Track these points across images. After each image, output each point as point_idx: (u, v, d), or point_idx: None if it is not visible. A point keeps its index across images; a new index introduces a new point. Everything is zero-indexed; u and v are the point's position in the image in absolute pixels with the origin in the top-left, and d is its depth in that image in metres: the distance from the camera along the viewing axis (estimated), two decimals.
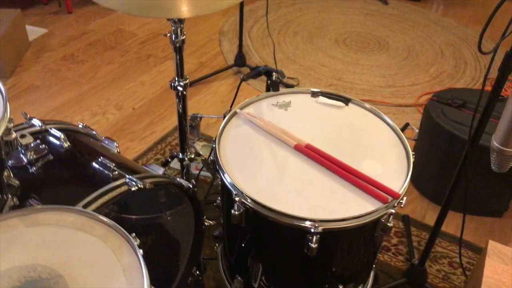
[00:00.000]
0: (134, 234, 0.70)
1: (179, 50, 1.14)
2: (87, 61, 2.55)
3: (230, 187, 0.87)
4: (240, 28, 2.43)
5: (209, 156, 1.21)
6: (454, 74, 2.67)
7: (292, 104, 1.06)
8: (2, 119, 0.70)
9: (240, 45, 2.48)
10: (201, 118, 1.81)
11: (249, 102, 1.09)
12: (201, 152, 1.44)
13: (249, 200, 0.84)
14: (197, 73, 2.52)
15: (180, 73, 1.18)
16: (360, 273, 1.04)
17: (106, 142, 1.15)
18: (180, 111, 1.24)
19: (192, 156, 1.32)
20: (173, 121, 2.11)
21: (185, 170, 1.34)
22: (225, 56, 2.71)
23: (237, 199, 0.85)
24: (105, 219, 0.72)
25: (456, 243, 1.59)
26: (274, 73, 1.08)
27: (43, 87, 2.32)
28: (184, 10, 0.96)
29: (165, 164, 1.41)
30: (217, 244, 1.21)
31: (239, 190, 0.85)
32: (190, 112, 1.92)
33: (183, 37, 1.12)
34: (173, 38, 1.11)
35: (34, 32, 2.72)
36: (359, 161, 0.90)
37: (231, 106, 1.19)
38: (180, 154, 1.32)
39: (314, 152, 0.90)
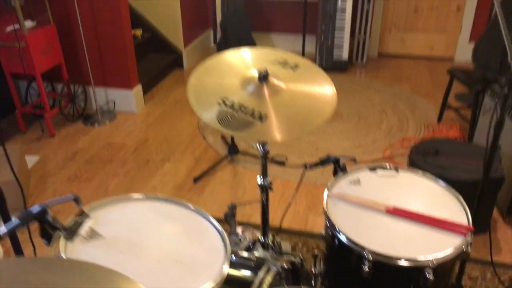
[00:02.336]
0: None
1: (264, 156, 1.47)
2: (93, 178, 2.73)
3: (354, 247, 1.20)
4: None
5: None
6: (402, 127, 3.27)
7: (361, 180, 1.43)
8: None
9: (232, 137, 2.84)
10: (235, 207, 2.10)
11: (330, 186, 1.43)
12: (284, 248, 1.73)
13: (374, 255, 1.17)
14: (198, 168, 2.81)
15: (264, 172, 1.50)
16: None
17: None
18: (265, 202, 1.54)
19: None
20: None
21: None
22: (214, 148, 3.05)
23: (367, 256, 1.17)
24: None
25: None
26: (340, 159, 1.46)
27: (63, 211, 2.45)
28: (276, 136, 1.23)
29: (248, 249, 1.67)
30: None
31: (363, 247, 1.18)
32: (213, 203, 2.20)
33: (268, 149, 1.45)
34: (261, 150, 1.44)
35: (28, 161, 2.85)
36: (432, 211, 1.28)
37: (297, 191, 1.52)
38: (263, 238, 1.61)
39: (402, 211, 1.27)
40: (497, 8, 1.51)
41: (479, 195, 1.50)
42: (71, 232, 0.95)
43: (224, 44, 4.40)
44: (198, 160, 2.92)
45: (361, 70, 4.39)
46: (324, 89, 1.37)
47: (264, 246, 1.62)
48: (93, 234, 0.97)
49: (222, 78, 1.36)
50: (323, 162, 1.48)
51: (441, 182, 1.41)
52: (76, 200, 0.96)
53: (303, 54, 4.08)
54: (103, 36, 3.28)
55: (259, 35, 4.85)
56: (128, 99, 3.51)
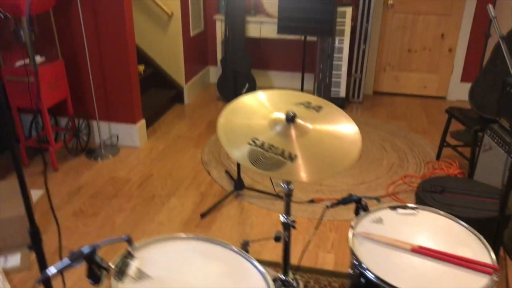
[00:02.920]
0: None
1: (288, 195, 1.50)
2: (99, 213, 2.71)
3: (382, 285, 1.22)
4: None
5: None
6: (402, 164, 3.34)
7: (383, 219, 1.47)
8: None
9: (239, 172, 2.87)
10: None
11: (354, 225, 1.46)
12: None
13: None
14: (204, 203, 2.82)
15: (288, 211, 1.52)
16: None
17: None
18: (287, 239, 1.56)
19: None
20: None
21: None
22: (219, 183, 3.06)
23: None
24: None
25: None
26: (362, 198, 1.50)
27: (70, 247, 2.42)
28: (303, 176, 1.27)
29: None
30: None
31: (392, 286, 1.20)
32: (222, 239, 2.20)
33: (292, 188, 1.49)
34: (286, 189, 1.48)
35: (33, 195, 2.82)
36: (456, 250, 1.32)
37: (316, 229, 1.55)
38: (283, 276, 1.62)
39: (427, 250, 1.31)
40: (503, 48, 1.60)
41: (496, 233, 1.54)
42: (120, 273, 0.96)
43: (224, 81, 4.50)
44: (204, 195, 2.93)
45: (357, 107, 4.50)
46: (348, 129, 1.43)
47: (285, 284, 1.62)
48: (141, 275, 0.98)
49: (250, 119, 1.41)
50: (345, 201, 1.52)
51: (461, 221, 1.45)
52: (129, 241, 0.98)
53: (302, 91, 4.18)
54: (109, 71, 3.34)
55: (258, 73, 4.96)
56: (132, 134, 3.54)
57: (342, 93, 4.31)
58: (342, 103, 4.34)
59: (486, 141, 2.68)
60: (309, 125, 1.39)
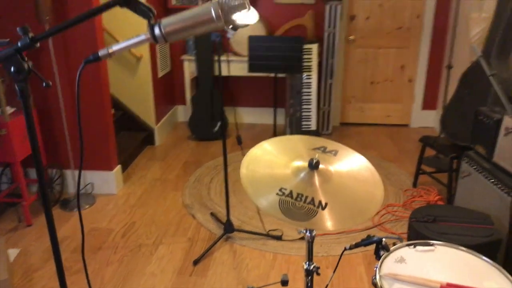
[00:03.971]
0: None
1: (312, 242, 1.49)
2: None
3: None
4: (226, 198, 2.79)
5: None
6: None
7: (405, 258, 1.49)
8: None
9: (228, 214, 2.82)
10: None
11: (379, 267, 1.47)
12: None
13: None
14: (194, 249, 2.74)
15: (311, 258, 1.51)
16: None
17: None
18: (309, 286, 1.54)
19: None
20: None
21: None
22: (206, 227, 3.00)
23: None
24: None
25: None
26: (383, 239, 1.51)
27: None
28: (329, 225, 1.27)
29: None
30: None
31: None
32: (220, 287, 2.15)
33: (315, 234, 1.48)
34: (309, 236, 1.47)
35: (9, 254, 2.63)
36: (482, 284, 1.36)
37: (334, 272, 1.55)
38: None
39: (456, 287, 1.34)
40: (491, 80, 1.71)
41: (505, 256, 1.60)
42: None
43: (195, 119, 4.48)
44: (192, 240, 2.85)
45: (328, 139, 4.60)
46: (367, 170, 1.46)
47: None
48: None
49: (272, 168, 1.41)
50: (366, 242, 1.53)
51: (479, 254, 1.50)
52: None
53: (274, 126, 4.25)
54: (84, 119, 3.23)
55: (229, 110, 4.99)
56: (108, 181, 3.41)
57: (313, 126, 4.41)
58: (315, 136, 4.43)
59: (464, 167, 2.81)
60: (332, 170, 1.41)
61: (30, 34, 1.04)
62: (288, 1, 4.55)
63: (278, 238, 2.85)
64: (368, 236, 1.56)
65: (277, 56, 4.09)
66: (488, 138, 2.59)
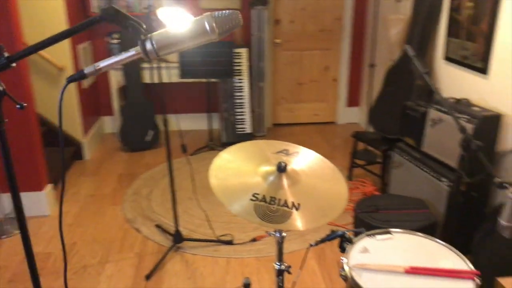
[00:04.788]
0: None
1: (281, 242, 1.52)
2: None
3: None
4: (173, 208, 2.73)
5: None
6: None
7: (368, 248, 1.58)
8: None
9: (176, 225, 2.77)
10: None
11: (346, 259, 1.53)
12: None
13: None
14: (143, 264, 2.65)
15: (281, 258, 1.54)
16: None
17: None
18: (281, 285, 1.57)
19: None
20: None
21: None
22: (152, 239, 2.91)
23: None
24: None
25: None
26: (345, 233, 1.59)
27: None
28: (304, 224, 1.30)
29: None
30: None
31: None
32: None
33: (285, 235, 1.52)
34: (279, 237, 1.50)
35: None
36: (439, 264, 1.48)
37: (300, 269, 1.59)
38: None
39: (418, 269, 1.44)
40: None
41: (442, 237, 1.76)
42: None
43: (126, 130, 4.32)
44: (140, 255, 2.76)
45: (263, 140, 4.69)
46: (329, 168, 1.53)
47: None
48: None
49: (241, 176, 1.42)
50: (330, 237, 1.60)
51: (432, 237, 1.64)
52: None
53: (210, 131, 4.24)
54: (9, 138, 2.97)
55: (162, 117, 4.87)
56: (39, 202, 3.17)
57: (249, 129, 4.47)
58: (250, 138, 4.49)
59: (395, 158, 3.03)
60: (298, 172, 1.45)
61: (6, 54, 0.95)
62: (214, 6, 4.57)
63: (229, 243, 2.85)
64: (332, 231, 1.63)
65: (208, 61, 4.09)
66: (416, 130, 2.82)
